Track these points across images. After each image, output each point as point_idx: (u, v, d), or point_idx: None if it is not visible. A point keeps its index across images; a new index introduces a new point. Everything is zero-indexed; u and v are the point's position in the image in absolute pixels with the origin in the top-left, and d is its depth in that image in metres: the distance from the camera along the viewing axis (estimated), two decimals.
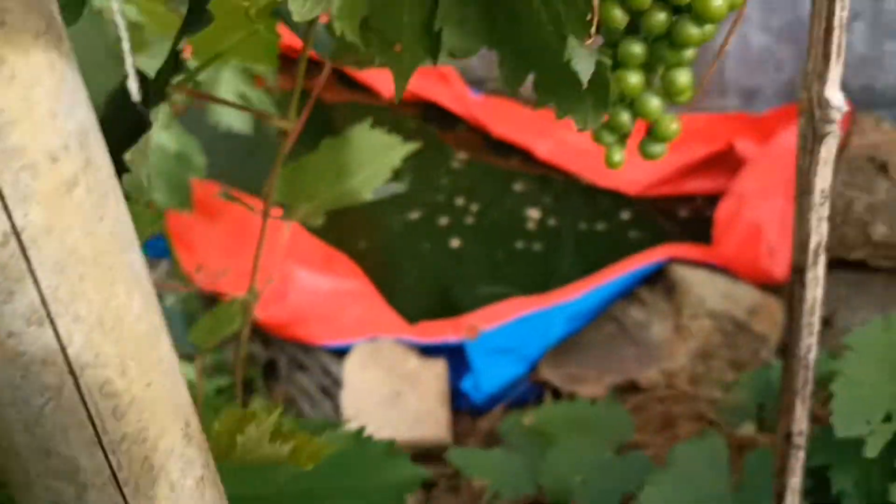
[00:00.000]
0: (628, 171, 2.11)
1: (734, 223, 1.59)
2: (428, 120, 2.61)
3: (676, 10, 0.41)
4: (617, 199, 2.08)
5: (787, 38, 1.85)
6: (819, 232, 0.41)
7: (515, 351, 1.35)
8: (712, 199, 1.88)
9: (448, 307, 1.70)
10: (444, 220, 2.10)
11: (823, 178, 0.38)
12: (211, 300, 1.86)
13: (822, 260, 0.40)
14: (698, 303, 1.37)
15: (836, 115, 0.35)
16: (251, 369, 1.78)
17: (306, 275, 1.68)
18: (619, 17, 0.43)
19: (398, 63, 0.39)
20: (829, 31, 0.33)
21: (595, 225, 2.00)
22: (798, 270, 0.43)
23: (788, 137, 1.74)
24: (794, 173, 1.58)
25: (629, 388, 1.35)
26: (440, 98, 2.48)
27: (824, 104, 0.35)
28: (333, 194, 0.70)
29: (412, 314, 1.74)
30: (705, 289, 1.40)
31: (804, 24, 1.58)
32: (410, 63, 0.39)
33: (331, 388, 1.58)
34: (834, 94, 0.34)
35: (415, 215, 2.13)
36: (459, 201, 2.19)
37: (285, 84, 3.04)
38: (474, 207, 2.13)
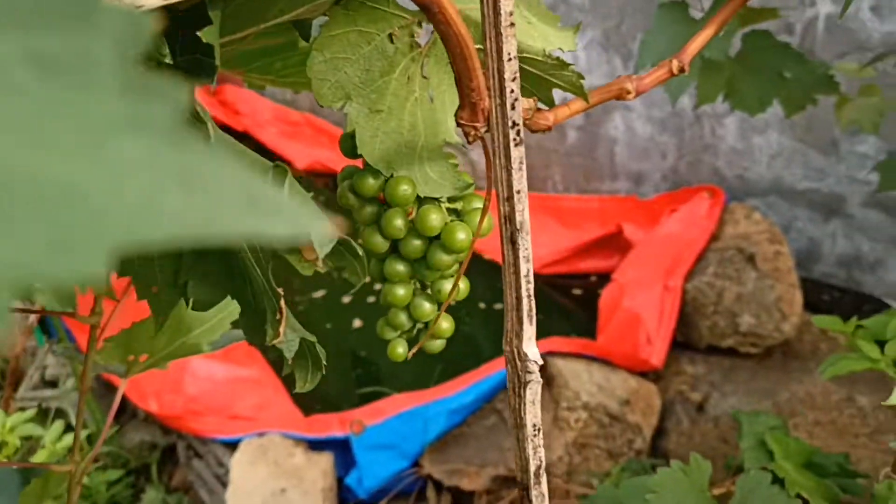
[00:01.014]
0: None
1: (615, 311, 1.66)
2: (335, 190, 2.66)
3: (433, 238, 0.47)
4: None
5: (668, 129, 1.96)
6: (537, 458, 0.46)
7: (398, 446, 1.39)
8: (604, 278, 1.95)
9: (347, 392, 1.73)
10: (347, 299, 2.13)
11: (533, 415, 0.43)
12: (110, 388, 1.85)
13: (544, 480, 0.45)
14: (574, 395, 1.43)
15: (534, 367, 0.40)
16: (149, 456, 1.78)
17: (202, 363, 1.69)
18: (379, 242, 0.48)
19: (156, 302, 0.43)
20: (519, 300, 0.39)
21: (493, 305, 2.05)
22: (524, 488, 0.48)
23: (669, 224, 1.84)
24: (673, 262, 1.66)
25: (510, 480, 1.39)
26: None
27: (523, 357, 0.40)
28: (170, 350, 0.74)
29: (310, 399, 1.77)
30: (582, 380, 1.45)
31: (682, 116, 1.68)
32: (167, 303, 0.43)
33: (224, 478, 1.59)
34: (530, 349, 0.40)
35: (319, 293, 2.16)
36: (366, 279, 2.22)
37: None
38: (378, 285, 2.17)
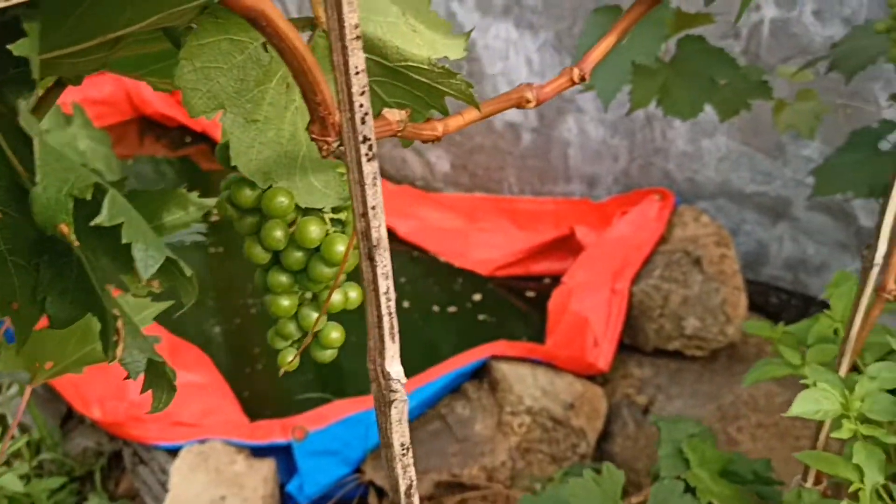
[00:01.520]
0: (483, 251, 2.19)
1: (563, 315, 1.66)
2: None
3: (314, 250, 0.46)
4: (471, 279, 2.14)
5: (620, 132, 1.96)
6: (407, 477, 0.45)
7: (340, 452, 1.38)
8: (558, 280, 1.96)
9: (294, 397, 1.71)
10: None
11: (401, 434, 0.42)
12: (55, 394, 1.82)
13: (416, 499, 0.44)
14: (518, 399, 1.43)
15: (398, 385, 0.40)
16: (94, 463, 1.75)
17: None
18: (260, 254, 0.47)
19: (17, 319, 0.42)
20: (380, 318, 0.38)
21: (447, 308, 2.05)
22: None
23: (619, 227, 1.84)
24: (621, 265, 1.66)
25: (453, 486, 1.39)
26: None
27: (387, 376, 0.39)
28: (78, 357, 0.72)
29: (258, 403, 1.75)
30: (526, 385, 1.45)
31: (633, 119, 1.68)
32: (28, 320, 0.42)
33: (168, 485, 1.57)
34: (393, 368, 0.39)
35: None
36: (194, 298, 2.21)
37: (163, 150, 3.02)
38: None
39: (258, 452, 1.43)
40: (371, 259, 0.39)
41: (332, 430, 1.38)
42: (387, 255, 0.39)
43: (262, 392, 1.77)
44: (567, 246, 2.03)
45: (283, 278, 0.48)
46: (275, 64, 0.44)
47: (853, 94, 1.50)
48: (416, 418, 1.47)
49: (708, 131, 1.79)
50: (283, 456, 1.42)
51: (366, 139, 0.38)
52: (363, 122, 0.37)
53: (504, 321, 1.99)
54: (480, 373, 1.54)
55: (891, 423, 0.62)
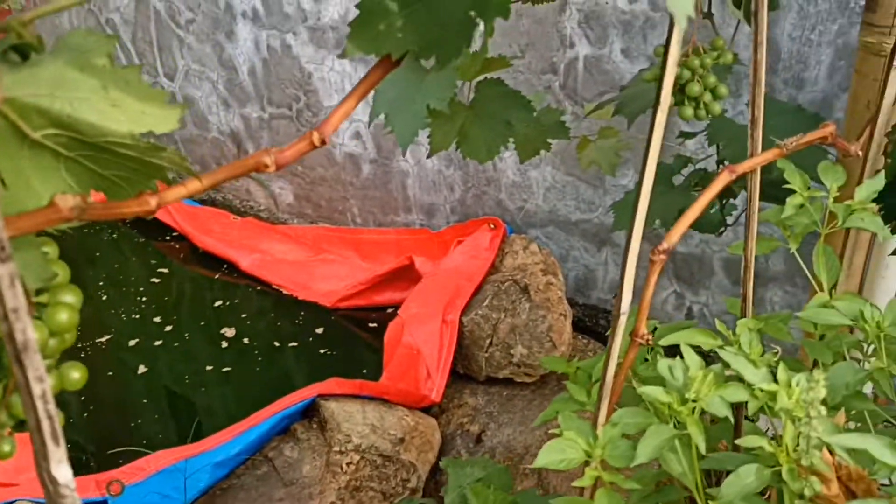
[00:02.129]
0: (326, 283, 2.17)
1: (397, 347, 1.67)
2: (135, 227, 2.55)
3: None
4: (315, 311, 2.12)
5: (454, 163, 2.00)
6: None
7: None
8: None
9: (104, 452, 1.64)
10: (133, 342, 2.04)
11: None
12: None
13: None
14: (346, 438, 1.42)
15: (67, 491, 0.38)
16: None
17: None
18: None
19: None
20: (39, 422, 0.36)
21: (289, 343, 2.02)
22: None
23: (453, 257, 1.87)
24: (453, 295, 1.67)
25: None
26: None
27: (54, 482, 0.37)
28: None
29: (86, 450, 1.67)
30: (355, 422, 1.45)
31: None
32: None
33: None
34: (60, 472, 0.37)
35: (104, 338, 2.05)
36: (156, 319, 2.14)
37: None
38: (168, 328, 2.09)
39: None
40: (20, 363, 0.37)
41: (150, 482, 1.33)
42: (37, 357, 0.38)
43: (76, 446, 1.70)
44: (408, 275, 2.05)
45: None
46: None
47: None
48: (243, 464, 1.44)
49: (535, 163, 1.85)
50: None
51: None
52: None
53: (346, 354, 1.99)
54: (310, 412, 1.53)
55: (631, 468, 0.65)
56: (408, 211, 2.17)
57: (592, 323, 1.89)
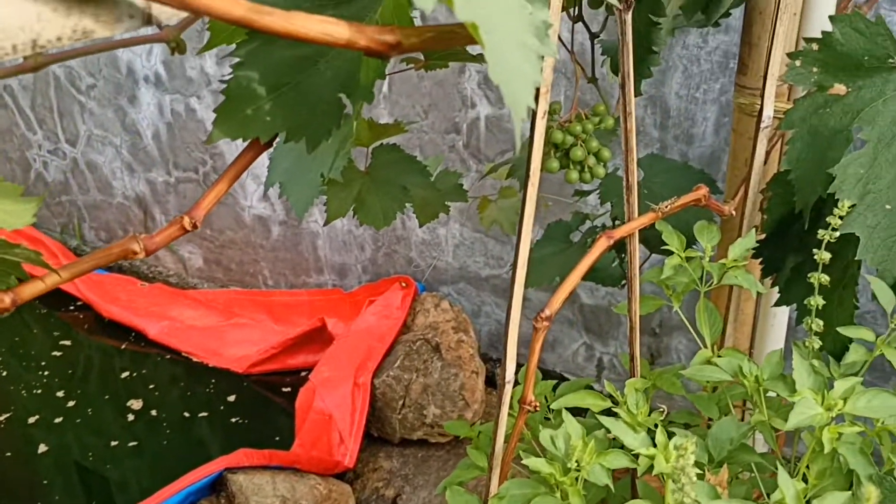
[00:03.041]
0: (238, 348, 2.13)
1: (309, 413, 1.64)
2: (37, 298, 2.46)
3: None
4: (227, 378, 2.07)
5: None
6: None
7: None
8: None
9: None
10: (34, 419, 1.95)
11: None
12: None
13: None
14: None
15: None
16: None
17: None
18: None
19: None
20: None
21: (199, 413, 1.96)
22: None
23: (365, 317, 1.86)
24: (364, 357, 1.65)
25: None
26: None
27: None
28: None
29: None
30: (264, 494, 1.41)
31: None
32: None
33: None
34: None
35: (3, 416, 1.96)
36: (59, 394, 2.06)
37: None
38: (71, 403, 2.01)
39: None
40: None
41: None
42: None
43: None
44: (321, 337, 2.02)
45: None
46: None
47: (561, 187, 1.62)
48: None
49: (443, 220, 1.86)
50: None
51: None
52: None
53: (259, 422, 1.94)
54: (218, 486, 1.48)
55: None
56: (319, 272, 2.16)
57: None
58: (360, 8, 0.55)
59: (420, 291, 1.91)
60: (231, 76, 0.53)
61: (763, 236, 0.89)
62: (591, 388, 0.83)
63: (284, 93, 0.54)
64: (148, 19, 0.37)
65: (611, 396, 0.74)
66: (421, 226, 1.17)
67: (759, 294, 1.14)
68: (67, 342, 2.25)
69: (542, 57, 0.41)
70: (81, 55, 0.54)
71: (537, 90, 0.59)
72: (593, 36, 0.95)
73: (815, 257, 0.70)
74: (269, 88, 0.54)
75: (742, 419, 0.98)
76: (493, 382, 1.84)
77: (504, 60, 0.39)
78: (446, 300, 1.84)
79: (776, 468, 0.74)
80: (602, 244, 0.70)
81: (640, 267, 1.44)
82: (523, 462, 0.64)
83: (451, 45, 0.42)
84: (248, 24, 0.35)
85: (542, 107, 0.58)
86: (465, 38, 0.38)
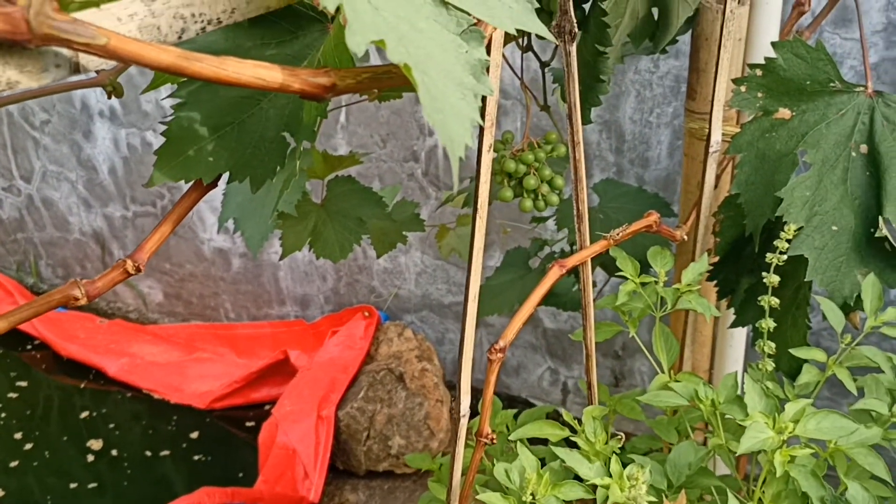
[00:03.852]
0: (200, 383, 2.09)
1: (272, 448, 1.62)
2: None
3: None
4: (189, 415, 2.04)
5: None
6: None
7: None
8: None
9: None
10: None
11: None
12: None
13: None
14: None
15: None
16: None
17: None
18: None
19: None
20: None
21: (160, 451, 1.93)
22: None
23: (328, 348, 1.84)
24: (328, 389, 1.63)
25: None
26: None
27: None
28: None
29: None
30: None
31: None
32: None
33: None
34: None
35: None
36: (17, 436, 2.01)
37: None
38: (29, 445, 1.96)
39: None
40: None
41: None
42: None
43: None
44: (284, 370, 2.00)
45: None
46: None
47: (520, 213, 1.63)
48: None
49: (404, 248, 1.86)
50: None
51: None
52: None
53: (223, 458, 1.91)
54: None
55: None
56: (281, 303, 2.14)
57: (474, 403, 1.89)
58: (302, 46, 0.55)
59: (383, 320, 1.90)
60: (172, 117, 0.53)
61: (717, 259, 0.90)
62: (559, 409, 0.83)
63: (227, 133, 0.54)
64: (76, 68, 0.37)
65: (569, 425, 0.73)
66: (378, 257, 1.16)
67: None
68: (24, 383, 2.21)
69: (479, 95, 0.41)
70: (19, 101, 0.53)
71: (482, 127, 0.59)
72: (543, 65, 0.95)
73: (765, 280, 0.71)
74: (212, 129, 0.53)
75: (705, 442, 0.98)
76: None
77: (439, 100, 0.38)
78: (409, 329, 1.83)
79: (735, 492, 0.74)
80: (555, 273, 0.70)
81: (601, 290, 1.44)
82: (479, 498, 0.64)
83: (388, 85, 0.42)
84: (177, 72, 0.35)
85: (488, 140, 0.58)
86: (402, 78, 0.37)
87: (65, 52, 0.35)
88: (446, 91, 0.39)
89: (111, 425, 2.02)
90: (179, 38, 0.39)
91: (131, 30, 0.37)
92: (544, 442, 0.84)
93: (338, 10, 0.35)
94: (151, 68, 0.34)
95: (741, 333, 1.11)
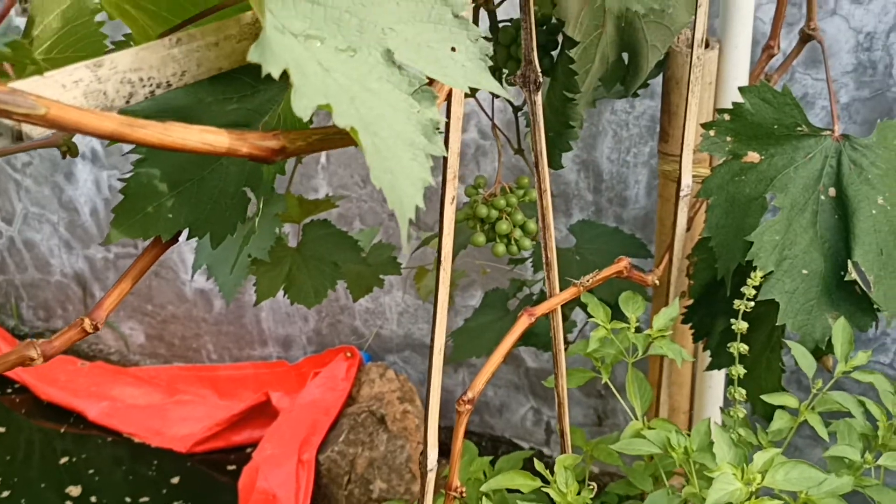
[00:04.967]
0: (181, 426, 2.07)
1: (252, 493, 1.59)
2: None
3: None
4: (169, 459, 2.01)
5: None
6: None
7: None
8: None
9: None
10: None
11: None
12: None
13: None
14: None
15: None
16: None
17: None
18: None
19: None
20: None
21: (140, 497, 1.90)
22: None
23: (310, 390, 1.83)
24: (309, 432, 1.60)
25: None
26: None
27: None
28: None
29: None
30: None
31: None
32: None
33: None
34: None
35: None
36: None
37: None
38: (6, 493, 1.93)
39: None
40: None
41: None
42: None
43: None
44: (266, 412, 1.98)
45: None
46: None
47: (484, 253, 1.63)
48: None
49: (385, 288, 1.85)
50: None
51: None
52: None
53: (203, 503, 1.88)
54: None
55: None
56: (263, 344, 2.12)
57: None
58: (263, 101, 0.55)
59: (365, 361, 1.89)
60: (131, 173, 0.52)
61: (691, 301, 0.90)
62: (542, 450, 0.82)
63: (187, 189, 0.53)
64: (18, 136, 0.37)
65: (541, 475, 0.73)
66: (355, 301, 1.16)
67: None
68: (3, 427, 2.17)
69: (430, 155, 0.41)
70: None
71: (445, 180, 0.59)
72: (516, 109, 0.96)
73: (734, 327, 0.71)
74: (172, 184, 0.53)
75: (683, 487, 0.97)
76: (443, 451, 1.81)
77: (390, 161, 0.38)
78: (392, 369, 1.82)
79: None
80: (523, 322, 0.70)
81: (582, 329, 1.43)
82: None
83: (340, 145, 0.42)
84: (121, 139, 0.35)
85: (450, 193, 0.58)
86: (352, 139, 0.37)
87: (5, 121, 0.35)
88: (397, 151, 0.39)
89: (91, 470, 1.99)
90: (127, 102, 0.39)
91: (76, 96, 0.37)
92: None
93: (284, 74, 0.35)
94: (94, 136, 0.34)
95: (720, 375, 1.10)
